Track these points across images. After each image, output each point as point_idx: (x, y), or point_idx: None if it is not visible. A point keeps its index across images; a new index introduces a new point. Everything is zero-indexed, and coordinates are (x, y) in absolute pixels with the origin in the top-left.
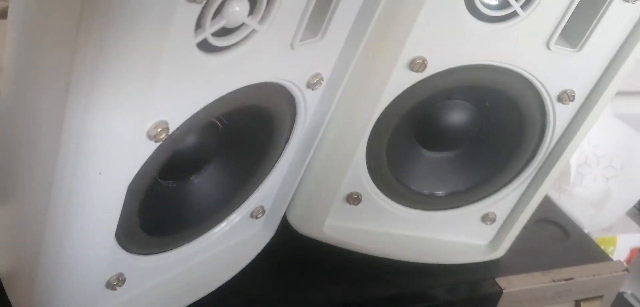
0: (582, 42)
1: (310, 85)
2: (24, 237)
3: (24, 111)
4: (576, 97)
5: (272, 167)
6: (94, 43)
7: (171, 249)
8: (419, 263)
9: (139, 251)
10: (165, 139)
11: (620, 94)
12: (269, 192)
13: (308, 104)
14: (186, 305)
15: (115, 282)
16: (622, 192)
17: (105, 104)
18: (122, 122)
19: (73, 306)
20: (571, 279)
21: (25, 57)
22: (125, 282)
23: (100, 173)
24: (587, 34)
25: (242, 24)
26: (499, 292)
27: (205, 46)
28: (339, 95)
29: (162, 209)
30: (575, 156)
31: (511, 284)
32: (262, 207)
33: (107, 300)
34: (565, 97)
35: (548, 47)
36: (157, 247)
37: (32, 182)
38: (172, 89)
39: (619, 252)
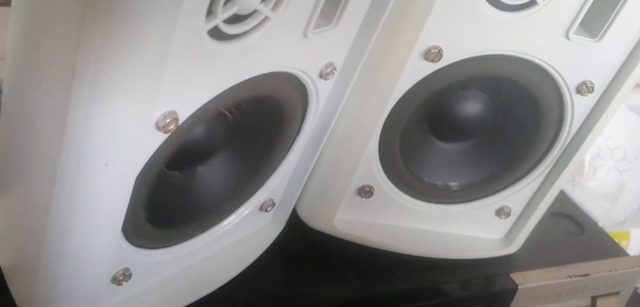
0: (602, 32)
1: (322, 75)
2: (27, 231)
3: (27, 100)
4: (595, 88)
5: (283, 159)
6: (100, 29)
7: (179, 242)
8: (431, 258)
9: (146, 245)
10: (174, 130)
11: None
12: (279, 185)
13: (320, 94)
14: (194, 300)
15: (121, 277)
16: (636, 185)
17: (112, 93)
18: (130, 112)
19: (76, 300)
20: (587, 274)
21: (28, 44)
22: (131, 278)
23: (106, 165)
24: (608, 23)
25: (255, 11)
26: (514, 289)
27: (216, 34)
28: (351, 86)
29: (170, 201)
30: None
31: (526, 280)
32: (272, 200)
33: (112, 295)
34: (584, 88)
35: (567, 37)
36: (164, 241)
37: (35, 173)
38: (182, 77)
39: (633, 246)
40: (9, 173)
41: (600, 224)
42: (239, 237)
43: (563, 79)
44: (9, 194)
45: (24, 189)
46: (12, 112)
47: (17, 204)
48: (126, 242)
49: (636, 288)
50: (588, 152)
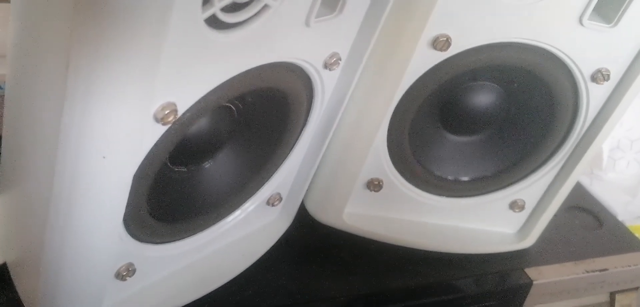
0: (617, 17)
1: (327, 66)
2: (29, 225)
3: (27, 95)
4: (611, 76)
5: (289, 152)
6: (93, 19)
7: (183, 238)
8: (443, 253)
9: (149, 239)
10: (174, 122)
11: None
12: (286, 179)
13: (325, 86)
14: (200, 296)
15: (125, 273)
16: None
17: (108, 84)
18: (126, 103)
19: (79, 296)
20: (605, 269)
21: (26, 38)
22: (135, 273)
23: (104, 157)
24: (623, 8)
25: None
26: (528, 284)
27: (214, 22)
28: (357, 76)
29: (172, 195)
30: (607, 140)
31: (541, 275)
32: (279, 194)
33: (116, 291)
34: (599, 76)
35: (581, 23)
36: (168, 236)
37: (36, 167)
38: (180, 68)
39: None
40: (13, 168)
41: (620, 217)
42: (246, 232)
43: (577, 66)
44: (13, 190)
45: (26, 184)
46: (14, 107)
47: (20, 198)
48: (128, 236)
49: None
50: (607, 144)
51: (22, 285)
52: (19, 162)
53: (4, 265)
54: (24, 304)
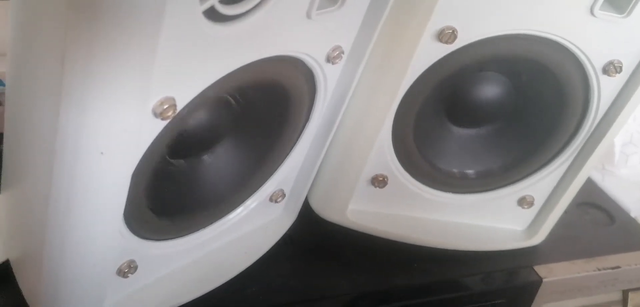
0: (630, 7)
1: (330, 59)
2: (30, 223)
3: (25, 93)
4: (623, 68)
5: (292, 147)
6: (87, 14)
7: (184, 235)
8: (450, 250)
9: (151, 236)
10: (174, 117)
11: None
12: (289, 175)
13: (328, 80)
14: (202, 294)
15: (126, 270)
16: None
17: (104, 80)
18: (124, 99)
19: (81, 293)
20: (618, 267)
21: (22, 35)
22: (137, 270)
23: (102, 153)
24: None
25: None
26: (538, 282)
27: (213, 15)
28: (361, 70)
29: (173, 190)
30: (619, 135)
31: (551, 273)
32: (282, 190)
33: (118, 288)
34: (611, 68)
35: (592, 13)
36: (169, 233)
37: (35, 165)
38: (179, 62)
39: None
40: (15, 165)
41: (633, 214)
42: (249, 229)
43: (588, 58)
44: (15, 187)
45: (26, 181)
46: (14, 104)
47: (21, 196)
48: (129, 233)
49: None
50: (619, 138)
51: (25, 282)
52: (19, 159)
53: (7, 262)
54: (27, 301)
